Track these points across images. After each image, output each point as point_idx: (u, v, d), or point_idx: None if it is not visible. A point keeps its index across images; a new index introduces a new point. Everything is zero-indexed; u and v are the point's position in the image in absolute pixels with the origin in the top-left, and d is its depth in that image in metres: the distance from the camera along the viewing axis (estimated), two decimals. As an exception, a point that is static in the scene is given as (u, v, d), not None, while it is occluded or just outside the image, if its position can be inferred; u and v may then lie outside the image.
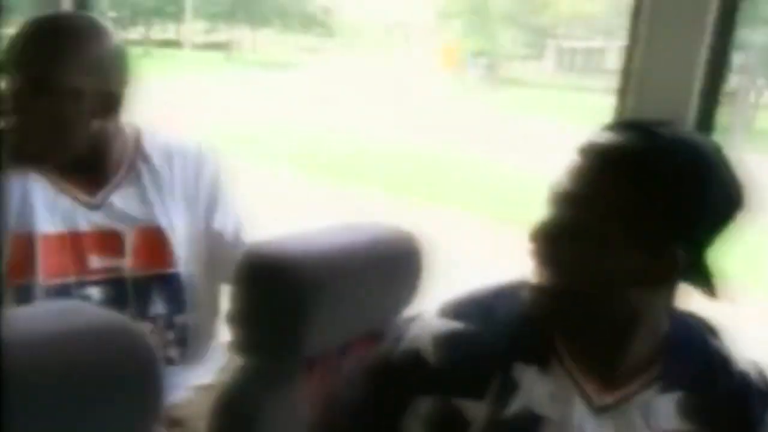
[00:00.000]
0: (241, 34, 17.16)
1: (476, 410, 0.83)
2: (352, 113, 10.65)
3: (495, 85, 13.32)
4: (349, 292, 0.98)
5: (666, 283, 0.82)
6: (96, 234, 1.19)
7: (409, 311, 1.07)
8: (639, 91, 1.12)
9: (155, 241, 1.21)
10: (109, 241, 1.19)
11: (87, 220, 1.18)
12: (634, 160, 0.79)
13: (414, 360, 0.86)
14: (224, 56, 15.60)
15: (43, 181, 1.17)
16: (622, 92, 1.14)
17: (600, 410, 0.85)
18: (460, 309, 0.89)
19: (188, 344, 1.25)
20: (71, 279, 1.17)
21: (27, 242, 1.14)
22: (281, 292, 0.93)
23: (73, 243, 1.17)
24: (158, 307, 1.22)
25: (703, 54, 1.07)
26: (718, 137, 1.06)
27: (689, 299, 0.87)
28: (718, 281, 0.82)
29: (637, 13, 1.11)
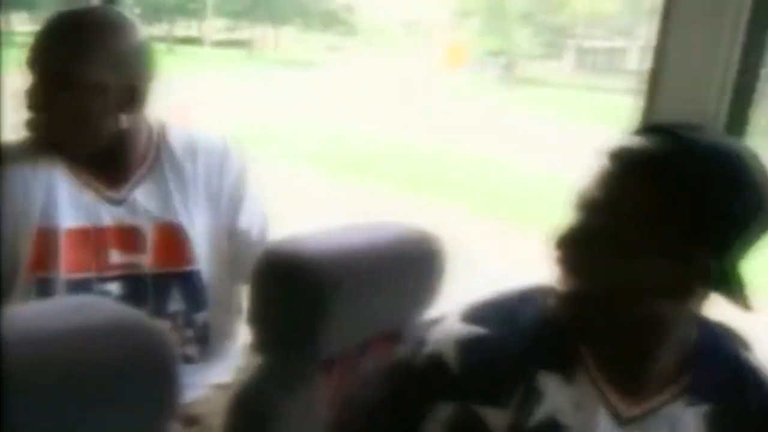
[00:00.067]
0: (262, 32, 17.26)
1: (498, 418, 0.82)
2: (371, 112, 10.66)
3: (512, 84, 13.27)
4: (368, 291, 0.97)
5: (694, 292, 0.80)
6: (117, 229, 1.19)
7: (428, 312, 1.05)
8: (666, 92, 1.10)
9: (175, 238, 1.21)
10: (130, 237, 1.19)
11: (109, 216, 1.18)
12: (662, 165, 0.77)
13: (435, 365, 0.85)
14: (245, 54, 15.69)
15: (67, 176, 1.17)
16: (649, 93, 1.12)
17: (625, 422, 0.83)
18: (484, 313, 0.87)
19: (208, 342, 1.25)
20: (91, 274, 1.17)
21: (50, 236, 1.15)
22: (299, 290, 0.92)
23: (95, 238, 1.17)
24: (177, 304, 1.22)
25: (734, 54, 1.05)
26: (751, 141, 1.03)
27: (717, 308, 0.85)
28: (747, 291, 0.79)
29: (665, 12, 1.09)
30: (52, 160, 1.17)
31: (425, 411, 0.84)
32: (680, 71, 1.08)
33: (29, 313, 0.64)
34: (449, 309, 0.92)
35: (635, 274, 0.78)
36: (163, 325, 1.18)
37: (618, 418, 0.82)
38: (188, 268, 1.22)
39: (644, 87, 1.11)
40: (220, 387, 1.23)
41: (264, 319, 0.96)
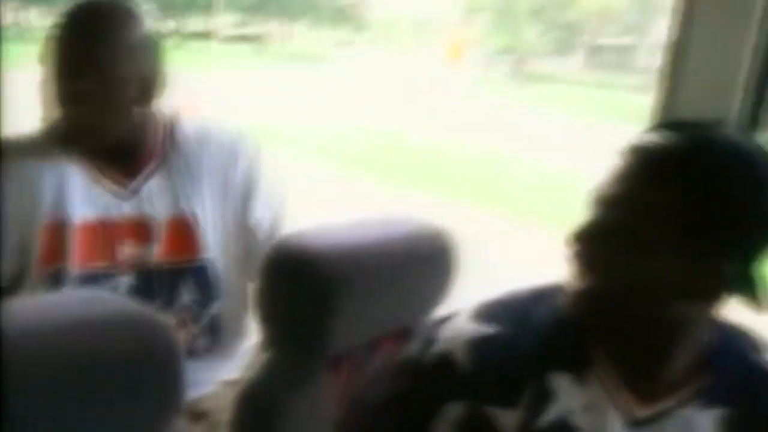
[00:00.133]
0: (273, 27, 17.28)
1: (508, 418, 0.80)
2: (381, 107, 10.66)
3: (522, 81, 13.25)
4: (378, 288, 0.96)
5: (710, 292, 0.78)
6: (128, 223, 1.18)
7: (439, 310, 1.04)
8: (683, 89, 1.09)
9: (186, 230, 1.21)
10: (142, 229, 1.19)
11: (120, 209, 1.18)
12: (681, 161, 0.75)
13: (445, 364, 0.84)
14: (254, 49, 15.71)
15: (79, 169, 1.17)
16: (666, 91, 1.11)
17: (636, 424, 0.81)
18: (495, 312, 0.86)
19: (217, 336, 1.24)
20: (102, 267, 1.17)
21: (61, 230, 1.15)
22: (307, 286, 0.91)
23: (107, 231, 1.17)
24: (187, 297, 1.21)
25: (752, 51, 1.03)
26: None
27: (731, 310, 0.83)
28: (764, 293, 0.78)
29: (683, 9, 1.07)
30: (64, 153, 1.17)
31: (434, 410, 0.83)
32: (698, 68, 1.07)
33: (33, 306, 0.63)
34: (460, 307, 0.91)
35: (651, 272, 0.76)
36: (173, 318, 1.19)
37: (630, 420, 0.81)
38: (199, 260, 1.22)
39: (660, 84, 1.10)
40: (228, 383, 1.22)
41: (272, 315, 0.95)
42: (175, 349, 0.64)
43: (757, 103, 1.05)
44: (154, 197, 1.19)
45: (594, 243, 0.78)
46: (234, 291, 1.25)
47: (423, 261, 1.02)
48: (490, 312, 0.86)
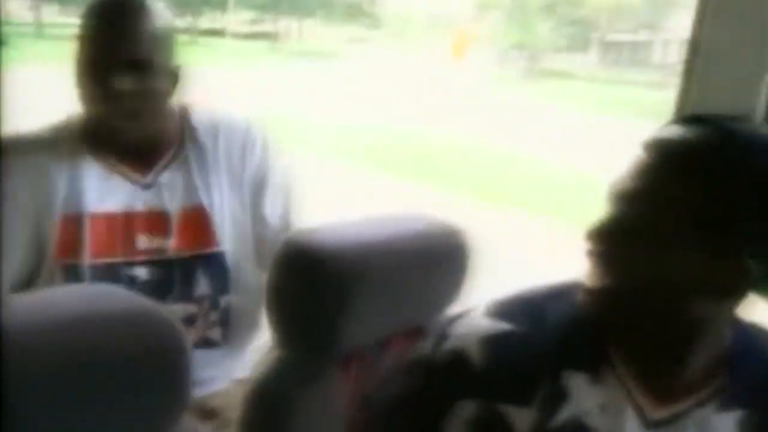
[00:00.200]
0: (286, 24, 17.32)
1: (521, 417, 0.79)
2: (393, 103, 10.64)
3: (535, 77, 13.21)
4: (390, 285, 0.95)
5: (731, 290, 0.77)
6: (146, 214, 1.18)
7: (453, 308, 1.03)
8: (702, 84, 1.07)
9: (199, 220, 1.21)
10: (158, 221, 1.19)
11: (139, 201, 1.18)
12: (702, 155, 0.74)
13: (458, 361, 0.82)
14: (268, 46, 15.75)
15: (94, 162, 1.17)
16: (687, 85, 1.09)
17: (653, 425, 0.80)
18: (509, 309, 0.84)
19: (231, 326, 1.24)
20: (119, 259, 1.17)
21: (76, 222, 1.15)
22: (318, 283, 0.90)
23: (124, 223, 1.17)
24: (203, 287, 1.21)
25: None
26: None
27: (752, 308, 0.82)
28: None
29: (702, 4, 1.06)
30: (81, 147, 1.16)
31: (446, 408, 0.82)
32: (719, 63, 1.05)
33: (37, 301, 0.63)
34: (473, 304, 0.90)
35: (671, 269, 0.75)
36: (188, 309, 1.18)
37: (646, 421, 0.80)
38: (212, 249, 1.21)
39: (681, 79, 1.09)
40: (238, 381, 1.22)
41: (283, 313, 0.94)
42: (181, 346, 0.64)
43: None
44: (170, 188, 1.20)
45: (612, 240, 0.77)
46: (247, 282, 1.24)
47: (436, 259, 1.01)
48: (504, 309, 0.85)
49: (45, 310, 0.60)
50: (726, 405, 0.80)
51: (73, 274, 1.14)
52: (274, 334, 0.95)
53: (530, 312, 0.83)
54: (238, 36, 15.92)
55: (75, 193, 1.15)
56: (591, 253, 0.78)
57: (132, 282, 1.16)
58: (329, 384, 0.94)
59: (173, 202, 1.19)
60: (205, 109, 1.27)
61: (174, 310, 1.17)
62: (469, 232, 1.04)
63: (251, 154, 1.25)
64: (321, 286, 0.90)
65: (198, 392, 1.17)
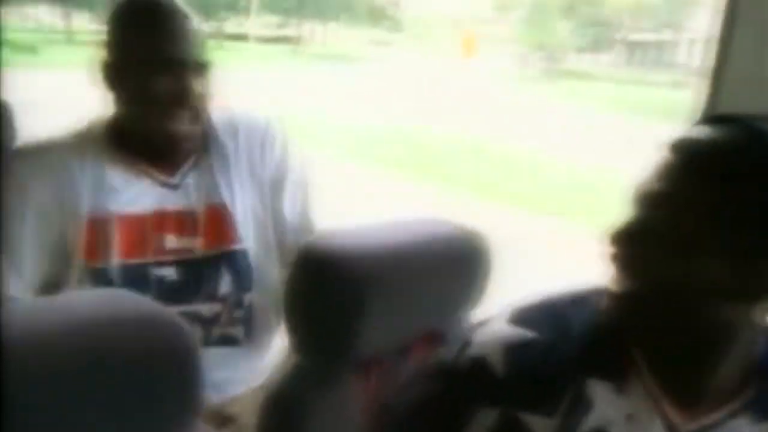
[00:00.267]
0: (310, 28, 17.43)
1: (543, 426, 0.77)
2: (414, 106, 10.64)
3: (556, 78, 13.14)
4: (409, 290, 0.94)
5: (757, 295, 0.74)
6: (175, 214, 1.19)
7: (472, 314, 1.01)
8: (725, 85, 1.05)
9: (222, 219, 1.21)
10: (186, 221, 1.19)
11: (168, 201, 1.19)
12: (725, 156, 0.72)
13: (480, 368, 0.80)
14: (291, 49, 15.86)
15: (120, 164, 1.17)
16: (709, 86, 1.07)
17: None
18: (533, 316, 0.82)
19: (253, 323, 1.24)
20: (147, 260, 1.17)
21: (103, 224, 1.15)
22: (336, 288, 0.89)
23: (153, 224, 1.17)
24: (227, 285, 1.21)
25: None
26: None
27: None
28: None
29: (728, 4, 1.03)
30: (107, 149, 1.17)
31: (467, 416, 0.80)
32: (741, 64, 1.04)
33: (48, 305, 0.63)
34: (495, 310, 0.88)
35: (694, 273, 0.72)
36: (215, 308, 1.19)
37: None
38: (234, 247, 1.21)
39: (703, 80, 1.07)
40: (255, 387, 1.21)
41: (299, 316, 0.93)
42: (191, 349, 0.63)
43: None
44: (196, 187, 1.20)
45: (634, 243, 0.75)
46: (268, 279, 1.24)
47: (456, 264, 1.00)
48: (526, 316, 0.83)
49: (54, 315, 0.59)
50: (758, 417, 0.77)
51: (101, 275, 1.14)
52: (292, 339, 0.94)
53: (553, 319, 0.81)
54: (261, 40, 16.05)
55: (101, 196, 1.15)
56: (614, 257, 0.76)
57: (161, 282, 1.17)
58: (346, 390, 0.93)
59: (199, 202, 1.20)
60: (224, 109, 1.27)
61: (201, 309, 1.18)
62: (488, 236, 1.02)
63: (270, 153, 1.26)
64: (338, 291, 0.89)
65: (216, 396, 1.17)
